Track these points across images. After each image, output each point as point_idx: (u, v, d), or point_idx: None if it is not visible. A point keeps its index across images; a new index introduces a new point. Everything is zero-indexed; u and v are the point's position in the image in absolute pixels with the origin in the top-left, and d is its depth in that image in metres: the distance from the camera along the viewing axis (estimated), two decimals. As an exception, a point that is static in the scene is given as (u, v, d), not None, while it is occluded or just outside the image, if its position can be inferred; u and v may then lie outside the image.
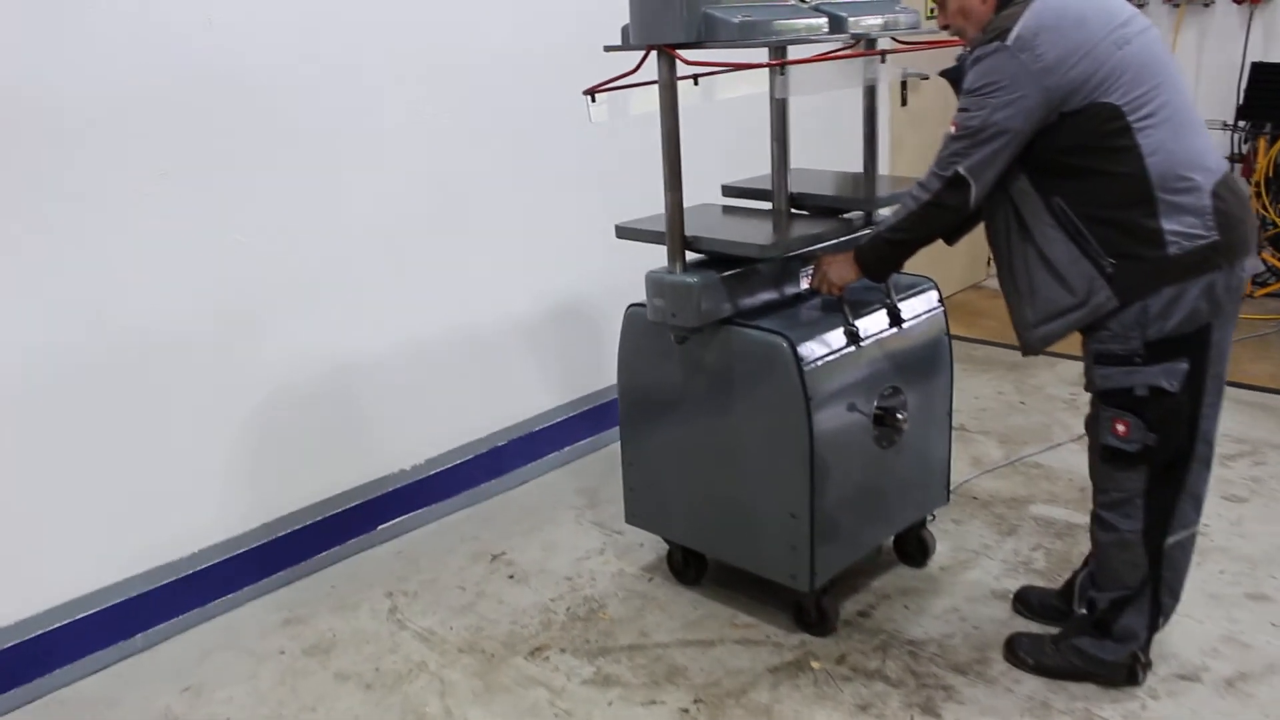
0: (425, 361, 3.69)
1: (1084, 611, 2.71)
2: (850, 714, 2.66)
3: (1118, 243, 2.31)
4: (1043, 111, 2.27)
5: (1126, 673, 2.64)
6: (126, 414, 2.99)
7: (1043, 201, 2.37)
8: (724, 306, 2.76)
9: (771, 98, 2.89)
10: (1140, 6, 5.75)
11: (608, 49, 2.72)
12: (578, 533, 3.66)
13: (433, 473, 3.77)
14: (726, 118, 3.94)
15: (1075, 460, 3.98)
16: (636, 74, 2.69)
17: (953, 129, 2.36)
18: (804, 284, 2.96)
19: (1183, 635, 2.86)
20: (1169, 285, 2.30)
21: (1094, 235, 2.32)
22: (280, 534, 3.38)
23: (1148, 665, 2.67)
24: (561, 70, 3.81)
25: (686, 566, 3.25)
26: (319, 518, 3.47)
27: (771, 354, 2.69)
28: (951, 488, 3.33)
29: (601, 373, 4.28)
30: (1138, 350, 2.35)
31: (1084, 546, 3.34)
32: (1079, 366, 5.39)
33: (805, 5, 2.66)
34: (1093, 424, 2.53)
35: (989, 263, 6.57)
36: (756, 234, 2.86)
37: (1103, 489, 2.56)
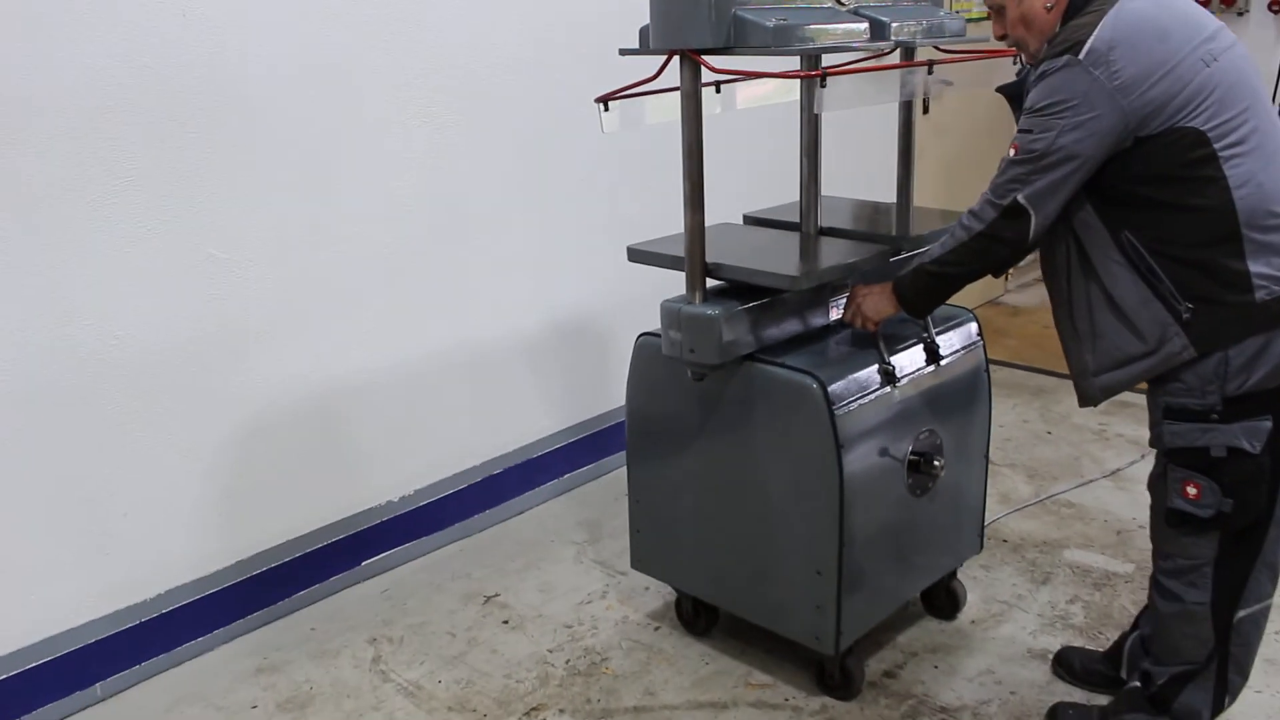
0: (418, 384, 3.43)
1: (1138, 684, 2.46)
2: (880, 796, 2.40)
3: (1197, 285, 2.05)
4: (1117, 135, 2.01)
5: (1186, 756, 2.39)
6: (87, 443, 2.72)
7: (1110, 235, 2.11)
8: (748, 341, 2.49)
9: (803, 110, 2.63)
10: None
11: (624, 52, 2.46)
12: (578, 572, 3.40)
13: (423, 504, 3.51)
14: (749, 130, 3.69)
15: (1109, 499, 3.73)
16: (656, 81, 2.42)
17: (1012, 152, 2.10)
18: (834, 315, 2.70)
19: (1242, 709, 2.60)
20: (1254, 335, 2.04)
21: (1169, 276, 2.06)
22: (256, 572, 3.12)
23: (1210, 748, 2.42)
24: (571, 76, 3.57)
25: (697, 617, 2.99)
26: (298, 554, 3.21)
27: (800, 395, 2.42)
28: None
29: (607, 394, 4.02)
30: (1215, 406, 2.09)
31: (1124, 599, 3.10)
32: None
33: (844, 8, 2.39)
34: (1158, 483, 2.27)
35: (1006, 278, 6.31)
36: (785, 261, 2.59)
37: (1166, 554, 2.31)
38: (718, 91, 2.74)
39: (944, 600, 3.02)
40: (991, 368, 2.89)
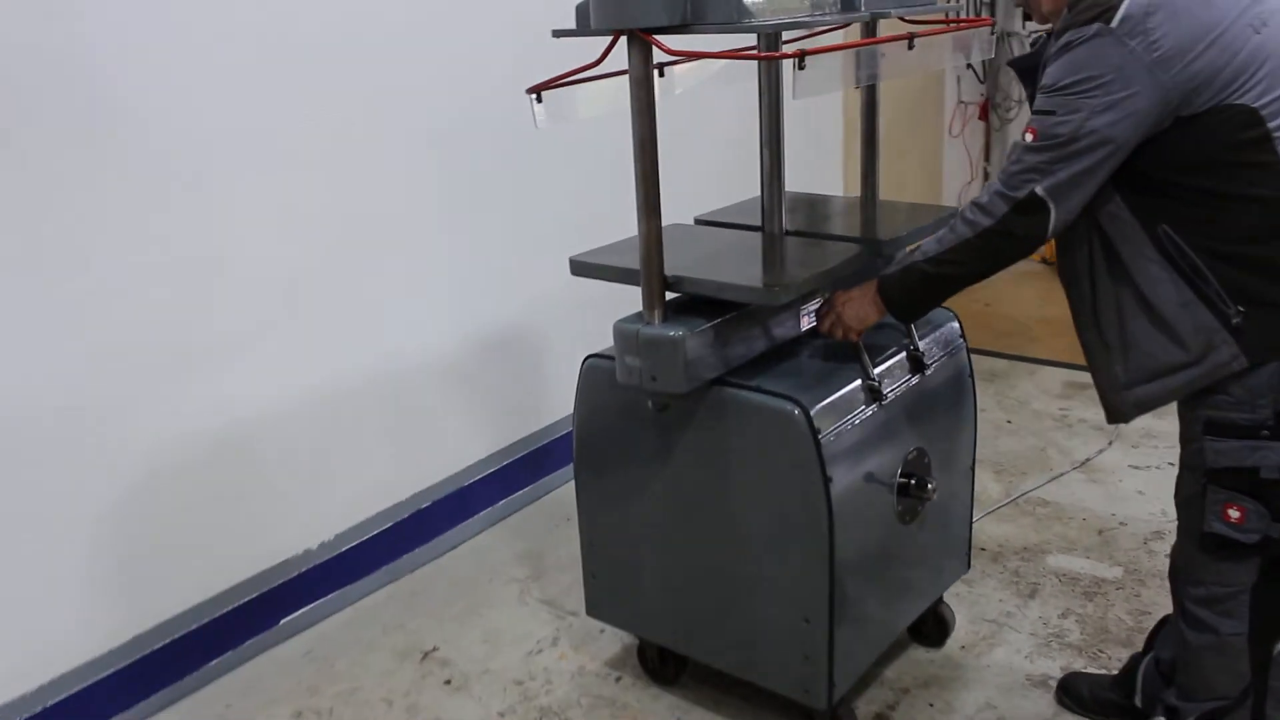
0: (331, 418, 3.04)
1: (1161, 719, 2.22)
2: None
3: (1248, 286, 1.79)
4: (1156, 116, 1.73)
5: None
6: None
7: (1145, 230, 1.83)
8: (715, 363, 2.17)
9: (763, 96, 2.31)
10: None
11: (558, 34, 2.12)
12: (524, 616, 3.06)
13: (345, 549, 3.13)
14: (691, 120, 3.37)
15: (1083, 494, 3.51)
16: (600, 65, 2.09)
17: (1029, 137, 1.81)
18: (805, 324, 2.39)
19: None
20: None
21: (1216, 275, 1.79)
22: (157, 646, 2.71)
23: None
24: (493, 63, 3.20)
25: (664, 664, 2.68)
26: (206, 620, 2.81)
27: (780, 422, 2.12)
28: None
29: (539, 411, 3.69)
30: (1266, 421, 1.83)
31: (1119, 609, 2.87)
32: (1059, 374, 5.04)
33: (809, -22, 2.08)
34: (1192, 504, 2.01)
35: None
36: (754, 270, 2.28)
37: (1197, 580, 2.06)
38: (661, 75, 2.41)
39: (932, 627, 2.76)
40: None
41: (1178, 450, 2.06)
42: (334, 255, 2.96)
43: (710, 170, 3.62)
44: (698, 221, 2.65)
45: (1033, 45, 1.90)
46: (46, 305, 2.40)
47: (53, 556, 2.49)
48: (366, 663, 2.89)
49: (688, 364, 2.09)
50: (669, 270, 2.14)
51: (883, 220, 2.54)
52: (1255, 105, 1.71)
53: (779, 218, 2.45)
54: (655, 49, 1.94)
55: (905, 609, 2.55)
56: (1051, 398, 4.29)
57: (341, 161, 2.94)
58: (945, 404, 2.50)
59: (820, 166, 4.75)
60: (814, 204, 2.76)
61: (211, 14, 2.59)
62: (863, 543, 2.26)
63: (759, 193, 2.49)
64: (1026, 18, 2.09)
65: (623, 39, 1.96)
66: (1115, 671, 2.51)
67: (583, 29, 2.04)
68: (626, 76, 2.00)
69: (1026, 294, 5.43)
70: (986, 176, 6.46)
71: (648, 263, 2.09)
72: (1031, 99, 1.89)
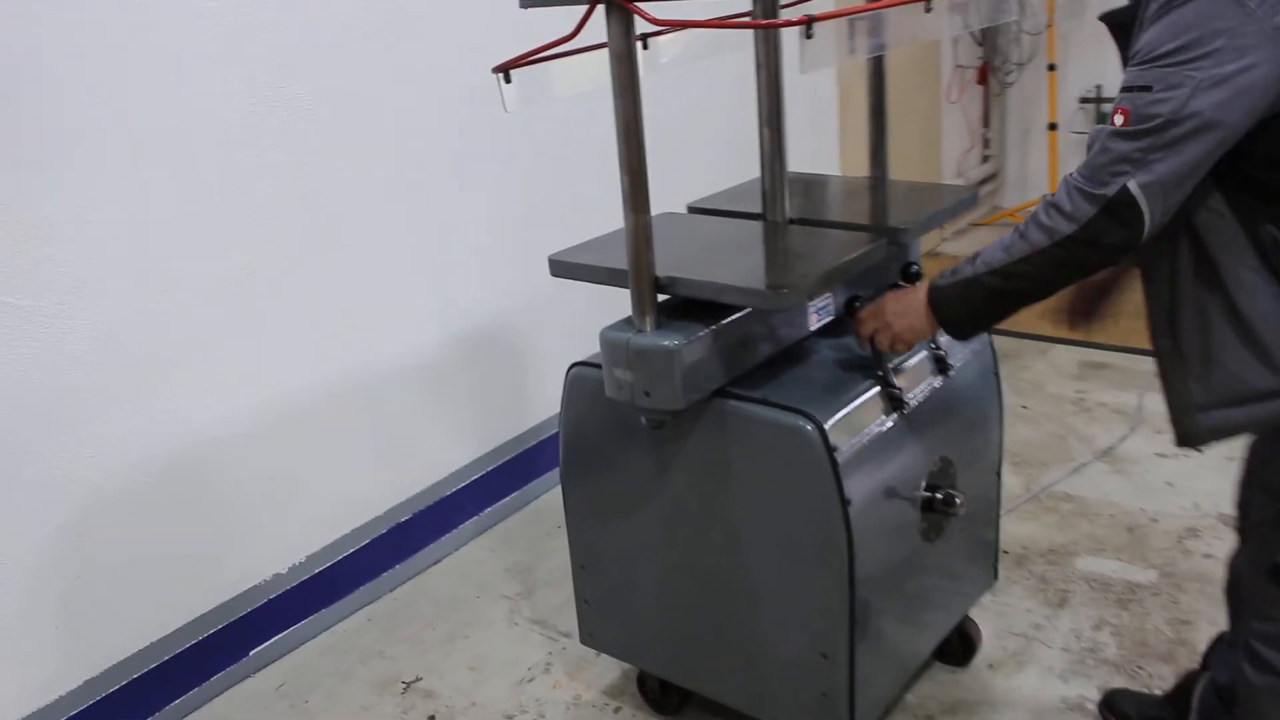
0: (299, 429, 2.80)
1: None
2: None
3: None
4: (1276, 94, 1.45)
5: None
6: None
7: (1245, 231, 1.55)
8: (716, 374, 1.93)
9: (760, 69, 2.06)
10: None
11: (526, 4, 1.86)
12: (513, 639, 2.83)
13: (318, 570, 2.89)
14: (674, 96, 3.11)
15: (1108, 486, 3.28)
16: (577, 39, 1.83)
17: (1119, 119, 1.51)
18: (814, 323, 2.14)
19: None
20: None
21: None
22: (113, 689, 2.48)
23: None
24: (461, 35, 2.94)
25: (666, 694, 2.45)
26: (167, 657, 2.58)
27: (791, 440, 1.88)
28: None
29: (526, 411, 3.45)
30: None
31: (1157, 618, 2.66)
32: (1074, 353, 4.77)
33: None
34: (1265, 531, 1.77)
35: (943, 226, 5.84)
36: (757, 268, 2.03)
37: (1264, 615, 1.81)
38: (645, 47, 2.17)
39: (956, 644, 2.53)
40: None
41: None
42: (296, 254, 2.71)
43: (705, 150, 3.37)
44: (691, 209, 2.40)
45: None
46: (-33, 324, 2.15)
47: (-12, 600, 2.26)
48: (343, 696, 2.67)
49: (685, 377, 1.85)
50: (661, 270, 1.89)
51: (896, 204, 2.29)
52: None
53: (782, 204, 2.20)
54: (638, 17, 1.69)
55: (930, 632, 2.32)
56: (1067, 379, 4.06)
57: (301, 158, 2.68)
58: (971, 406, 2.26)
59: (816, 143, 4.50)
60: (817, 187, 2.51)
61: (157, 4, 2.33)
62: (884, 567, 2.03)
63: (758, 175, 2.24)
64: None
65: (600, 7, 1.70)
66: (1159, 691, 2.30)
67: (555, -2, 1.78)
68: (606, 51, 1.75)
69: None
70: (986, 144, 6.20)
71: (636, 263, 1.85)
72: (1125, 64, 1.59)
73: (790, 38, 1.74)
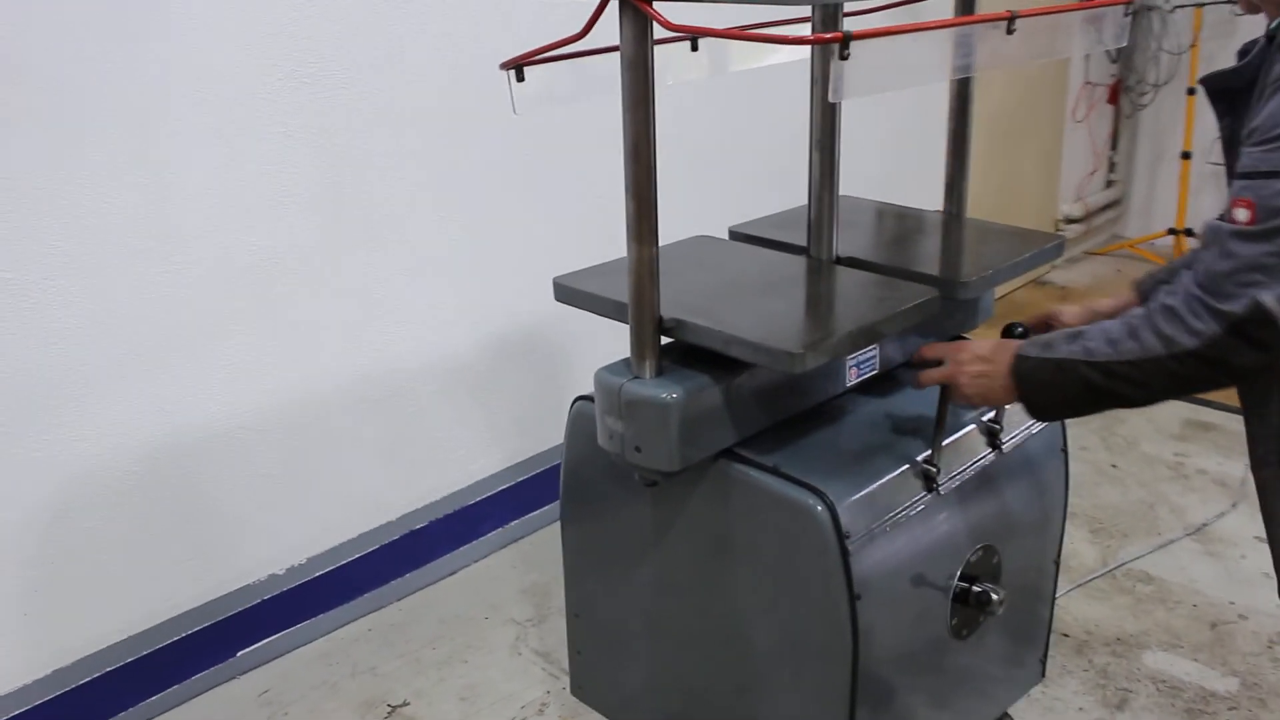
0: (310, 427, 2.64)
1: None
2: None
3: None
4: None
5: None
6: None
7: None
8: (721, 434, 1.69)
9: (814, 86, 1.79)
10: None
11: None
12: (513, 670, 2.63)
13: (318, 574, 2.74)
14: (735, 100, 2.85)
15: (1195, 570, 2.94)
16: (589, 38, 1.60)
17: (1242, 214, 1.23)
18: (853, 378, 1.87)
19: None
20: None
21: None
22: (81, 682, 2.36)
23: None
24: (512, 28, 2.73)
25: (659, 760, 2.23)
26: (144, 653, 2.45)
27: (797, 520, 1.63)
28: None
29: (561, 420, 3.23)
30: None
31: (1235, 740, 2.32)
32: (1178, 410, 4.35)
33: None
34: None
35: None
36: (782, 318, 1.76)
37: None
38: (695, 49, 1.92)
39: (991, 745, 2.25)
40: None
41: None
42: (317, 245, 2.54)
43: (761, 164, 3.10)
44: (732, 234, 2.15)
45: (1240, 55, 1.31)
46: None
47: (-50, 582, 2.15)
48: (325, 712, 2.51)
49: (682, 435, 1.61)
50: (669, 309, 1.65)
51: (965, 250, 2.00)
52: None
53: (829, 238, 1.93)
54: (654, 22, 1.45)
55: (955, 734, 2.05)
56: (1166, 438, 3.69)
57: (330, 148, 2.50)
58: (1026, 488, 1.97)
59: (916, 170, 4.17)
60: (879, 219, 2.23)
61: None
62: (900, 664, 1.77)
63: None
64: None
65: (613, 3, 1.47)
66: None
67: (567, -9, 1.55)
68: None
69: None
70: (1112, 168, 5.76)
71: (638, 301, 1.61)
72: (1230, 141, 1.32)
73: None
